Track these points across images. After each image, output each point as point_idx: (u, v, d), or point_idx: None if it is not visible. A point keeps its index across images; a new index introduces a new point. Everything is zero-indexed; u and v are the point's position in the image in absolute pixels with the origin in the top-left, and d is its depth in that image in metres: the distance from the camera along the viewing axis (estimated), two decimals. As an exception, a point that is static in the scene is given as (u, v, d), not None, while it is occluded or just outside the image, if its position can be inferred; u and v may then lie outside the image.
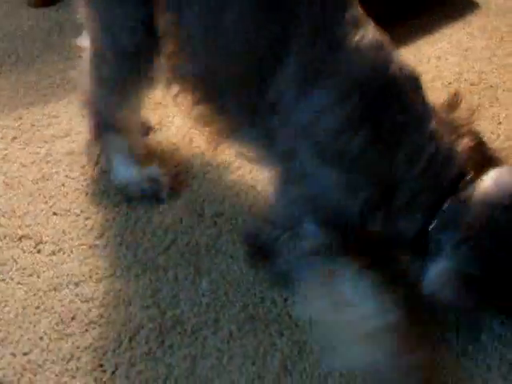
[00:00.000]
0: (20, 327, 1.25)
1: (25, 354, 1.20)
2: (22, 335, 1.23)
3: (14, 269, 1.34)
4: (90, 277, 1.33)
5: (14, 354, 1.19)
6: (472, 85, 1.86)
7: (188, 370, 1.15)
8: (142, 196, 1.54)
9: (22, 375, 1.16)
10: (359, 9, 1.30)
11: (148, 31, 1.40)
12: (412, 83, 1.26)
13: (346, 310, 1.20)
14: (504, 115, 1.75)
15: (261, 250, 1.32)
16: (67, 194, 1.54)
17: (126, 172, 1.56)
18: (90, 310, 1.25)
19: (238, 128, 1.41)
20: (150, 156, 1.61)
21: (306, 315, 1.26)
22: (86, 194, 1.53)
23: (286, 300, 1.28)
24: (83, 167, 1.62)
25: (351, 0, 1.29)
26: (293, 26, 1.26)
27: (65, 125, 1.74)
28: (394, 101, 1.24)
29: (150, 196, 1.53)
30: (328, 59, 1.24)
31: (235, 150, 1.50)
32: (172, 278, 1.33)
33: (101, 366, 1.16)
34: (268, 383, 1.15)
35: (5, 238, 1.41)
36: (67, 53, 1.86)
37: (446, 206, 1.21)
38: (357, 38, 1.24)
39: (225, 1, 1.31)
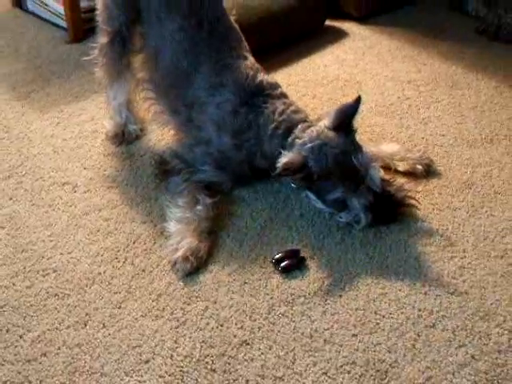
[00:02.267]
0: (64, 237, 1.65)
1: (69, 252, 1.60)
2: (66, 241, 1.63)
3: (60, 203, 1.76)
4: (108, 206, 1.75)
5: (62, 253, 1.60)
6: (346, 81, 2.36)
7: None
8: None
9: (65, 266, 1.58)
10: (243, 48, 1.89)
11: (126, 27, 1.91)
12: (271, 85, 1.82)
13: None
14: (365, 97, 2.08)
15: (165, 173, 1.80)
16: (92, 156, 1.95)
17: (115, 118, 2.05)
18: (108, 225, 1.68)
19: (172, 115, 1.91)
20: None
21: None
22: (104, 155, 1.95)
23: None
24: (102, 140, 2.03)
25: (237, 44, 1.88)
26: (201, 57, 1.82)
27: (90, 114, 2.17)
28: (259, 95, 1.79)
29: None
30: (223, 76, 1.80)
31: (171, 127, 1.95)
32: (159, 205, 1.74)
33: (116, 258, 1.59)
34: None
35: (53, 184, 1.82)
36: (90, 70, 2.17)
37: (294, 131, 1.72)
38: (238, 64, 1.82)
39: (163, 42, 1.86)
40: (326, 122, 1.73)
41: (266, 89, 1.81)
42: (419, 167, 1.86)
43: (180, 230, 1.64)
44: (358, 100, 1.72)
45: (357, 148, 1.68)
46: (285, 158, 1.64)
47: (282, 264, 1.56)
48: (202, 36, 1.83)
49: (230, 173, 1.81)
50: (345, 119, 1.71)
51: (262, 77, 1.83)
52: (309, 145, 1.66)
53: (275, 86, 1.84)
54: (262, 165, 1.81)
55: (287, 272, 1.55)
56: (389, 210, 1.68)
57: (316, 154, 1.65)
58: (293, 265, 1.56)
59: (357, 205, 1.65)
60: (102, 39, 1.95)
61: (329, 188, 1.66)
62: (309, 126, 1.73)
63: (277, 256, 1.58)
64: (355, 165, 1.63)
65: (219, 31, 1.86)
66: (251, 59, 1.88)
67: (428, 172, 1.87)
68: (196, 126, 1.84)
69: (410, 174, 1.85)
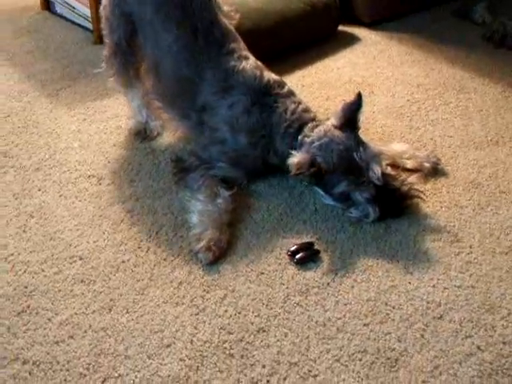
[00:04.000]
0: (90, 227, 1.65)
1: (94, 241, 1.60)
2: (92, 231, 1.63)
3: (86, 194, 1.77)
4: (131, 198, 1.75)
5: (88, 242, 1.59)
6: (358, 83, 2.34)
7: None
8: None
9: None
10: (243, 48, 1.85)
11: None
12: (279, 84, 1.81)
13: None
14: (376, 99, 2.21)
15: (183, 170, 1.78)
16: (116, 150, 1.96)
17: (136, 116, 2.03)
18: (132, 216, 1.68)
19: (182, 120, 1.89)
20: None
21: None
22: (127, 150, 1.96)
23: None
24: (126, 136, 2.03)
25: (236, 46, 1.84)
26: (203, 64, 1.79)
27: (114, 111, 2.18)
28: (269, 94, 1.78)
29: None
30: (230, 79, 1.78)
31: (182, 131, 1.94)
32: (180, 198, 1.73)
33: (139, 247, 1.59)
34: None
35: (80, 176, 1.83)
36: None
37: (304, 130, 1.73)
38: (242, 65, 1.79)
39: (162, 52, 1.84)
40: (332, 121, 1.74)
41: (274, 87, 1.80)
42: (427, 165, 1.85)
43: (202, 222, 1.63)
44: (359, 97, 1.73)
45: (360, 144, 1.68)
46: (295, 159, 1.66)
47: (297, 256, 1.55)
48: (200, 44, 1.80)
49: (245, 168, 1.80)
50: (349, 116, 1.72)
51: (269, 75, 1.82)
52: (316, 143, 1.68)
53: (282, 83, 1.83)
54: (274, 161, 1.81)
55: (302, 264, 1.54)
56: (394, 204, 1.68)
57: (323, 151, 1.67)
58: (307, 257, 1.55)
59: (360, 198, 1.66)
60: (106, 51, 1.97)
61: (334, 182, 1.67)
62: (317, 125, 1.74)
63: (292, 248, 1.57)
64: (357, 160, 1.64)
65: (215, 36, 1.82)
66: (252, 58, 1.85)
67: (435, 170, 1.86)
68: (209, 128, 1.82)
69: (418, 172, 1.82)
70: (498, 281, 1.50)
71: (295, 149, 1.71)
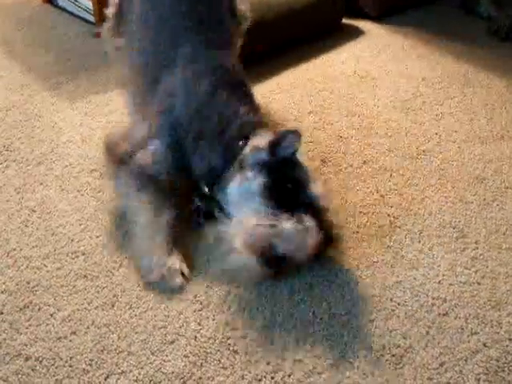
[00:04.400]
0: (93, 221, 1.63)
1: (97, 236, 1.58)
2: (95, 226, 1.62)
3: (88, 188, 1.74)
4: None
5: (90, 237, 1.58)
6: (362, 77, 2.32)
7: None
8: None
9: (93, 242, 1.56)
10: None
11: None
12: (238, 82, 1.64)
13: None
14: (380, 93, 2.20)
15: (117, 158, 1.59)
16: (119, 145, 2.01)
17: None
18: (135, 211, 1.73)
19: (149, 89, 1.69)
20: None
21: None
22: (131, 144, 2.00)
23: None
24: (129, 129, 2.08)
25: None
26: (180, 40, 1.65)
27: (116, 105, 2.13)
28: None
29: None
30: (199, 56, 1.63)
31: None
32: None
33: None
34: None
35: (82, 171, 1.81)
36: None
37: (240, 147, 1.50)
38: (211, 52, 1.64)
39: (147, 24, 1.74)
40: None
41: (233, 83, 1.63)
42: None
43: (146, 249, 1.49)
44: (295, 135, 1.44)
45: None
46: None
47: None
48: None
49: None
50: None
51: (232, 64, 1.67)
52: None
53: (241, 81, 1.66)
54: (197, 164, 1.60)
55: None
56: None
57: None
58: None
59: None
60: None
61: None
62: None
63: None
64: None
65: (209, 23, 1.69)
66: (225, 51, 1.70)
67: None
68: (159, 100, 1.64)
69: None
70: (504, 277, 1.49)
71: None
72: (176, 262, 1.47)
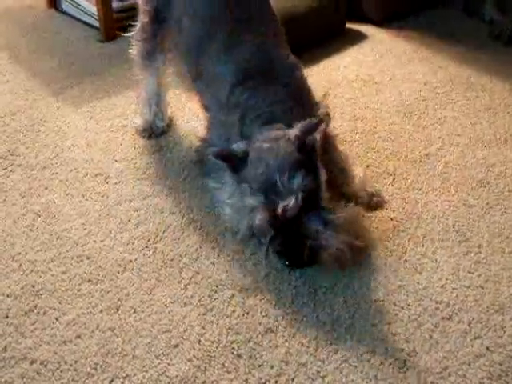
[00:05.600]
0: (97, 226, 1.65)
1: (101, 240, 1.60)
2: (99, 230, 1.63)
3: (93, 193, 1.76)
4: (138, 196, 1.74)
5: (95, 241, 1.59)
6: (365, 81, 2.32)
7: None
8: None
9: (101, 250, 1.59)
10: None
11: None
12: (290, 65, 1.68)
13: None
14: (383, 98, 2.20)
15: (202, 159, 1.67)
16: (123, 149, 1.95)
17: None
18: (139, 216, 1.67)
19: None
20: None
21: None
22: (134, 148, 1.95)
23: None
24: (132, 134, 2.02)
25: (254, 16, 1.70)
26: (213, 32, 1.66)
27: (121, 109, 2.16)
28: (266, 75, 1.60)
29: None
30: (231, 47, 1.63)
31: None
32: (187, 196, 1.73)
33: (147, 247, 1.59)
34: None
35: (87, 175, 1.82)
36: (121, 67, 2.31)
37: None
38: (250, 37, 1.63)
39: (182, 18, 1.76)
40: (292, 131, 1.49)
41: (276, 66, 1.64)
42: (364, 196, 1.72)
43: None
44: (325, 121, 1.54)
45: (297, 169, 1.43)
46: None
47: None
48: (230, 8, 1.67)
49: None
50: (305, 142, 1.46)
51: (276, 53, 1.68)
52: (257, 144, 1.48)
53: (293, 64, 1.69)
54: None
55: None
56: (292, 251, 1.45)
57: (254, 155, 1.46)
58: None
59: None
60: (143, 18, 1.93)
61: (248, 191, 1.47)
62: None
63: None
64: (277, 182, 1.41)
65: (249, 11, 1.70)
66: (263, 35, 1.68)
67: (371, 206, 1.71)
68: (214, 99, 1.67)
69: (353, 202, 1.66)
70: (507, 281, 1.49)
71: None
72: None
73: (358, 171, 1.76)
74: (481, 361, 1.31)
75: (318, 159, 1.48)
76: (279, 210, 1.39)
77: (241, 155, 1.46)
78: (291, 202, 1.38)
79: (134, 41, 1.97)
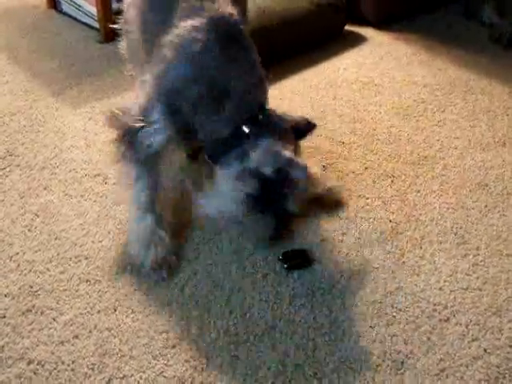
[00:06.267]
0: (96, 226, 1.64)
1: (100, 241, 1.59)
2: (97, 230, 1.62)
3: (91, 193, 1.75)
4: (137, 197, 1.79)
5: (93, 242, 1.59)
6: (364, 84, 2.33)
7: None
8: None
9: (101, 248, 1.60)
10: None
11: None
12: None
13: None
14: (383, 100, 2.21)
15: (120, 134, 1.49)
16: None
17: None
18: (138, 216, 1.73)
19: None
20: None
21: None
22: (134, 150, 2.00)
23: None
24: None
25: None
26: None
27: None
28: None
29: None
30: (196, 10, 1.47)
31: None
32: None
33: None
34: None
35: (86, 176, 1.82)
36: (120, 68, 2.20)
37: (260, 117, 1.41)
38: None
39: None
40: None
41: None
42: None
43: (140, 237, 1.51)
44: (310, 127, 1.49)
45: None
46: None
47: (289, 263, 1.53)
48: None
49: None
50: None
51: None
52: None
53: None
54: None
55: (293, 270, 1.52)
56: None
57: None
58: (299, 264, 1.53)
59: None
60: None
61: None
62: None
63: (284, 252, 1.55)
64: None
65: None
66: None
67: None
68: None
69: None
70: (505, 283, 1.49)
71: None
72: (166, 252, 1.50)
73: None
74: (478, 363, 1.31)
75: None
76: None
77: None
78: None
79: None
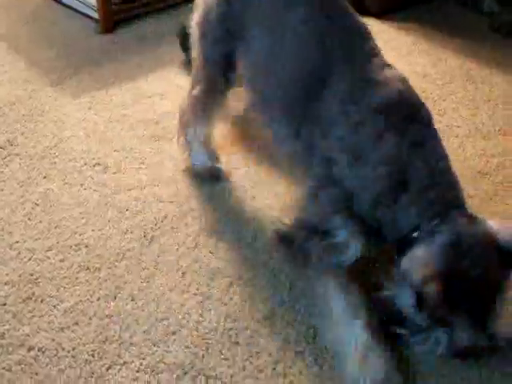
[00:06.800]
0: (95, 215, 1.65)
1: (100, 229, 1.59)
2: (97, 219, 1.63)
3: (91, 182, 1.76)
4: (137, 186, 1.74)
5: (93, 230, 1.59)
6: None
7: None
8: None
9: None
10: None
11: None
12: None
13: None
14: None
15: (296, 252, 1.35)
16: (122, 139, 1.93)
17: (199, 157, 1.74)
18: (137, 205, 1.67)
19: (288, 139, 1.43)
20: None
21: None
22: (133, 138, 1.93)
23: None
24: (131, 124, 2.00)
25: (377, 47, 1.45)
26: (334, 57, 1.36)
27: (119, 100, 2.14)
28: (413, 122, 1.29)
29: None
30: (364, 89, 1.33)
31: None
32: (186, 186, 1.73)
33: (144, 236, 1.58)
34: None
35: (85, 165, 1.82)
36: (119, 59, 2.30)
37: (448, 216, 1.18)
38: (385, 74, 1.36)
39: (280, 41, 1.43)
40: (493, 226, 1.19)
41: (422, 116, 1.32)
42: None
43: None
44: None
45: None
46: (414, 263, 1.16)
47: None
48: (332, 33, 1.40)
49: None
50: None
51: (416, 95, 1.37)
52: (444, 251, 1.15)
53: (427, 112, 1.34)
54: (386, 234, 1.28)
55: None
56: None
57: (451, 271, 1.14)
58: None
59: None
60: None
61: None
62: (465, 218, 1.21)
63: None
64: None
65: (351, 28, 1.46)
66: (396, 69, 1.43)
67: None
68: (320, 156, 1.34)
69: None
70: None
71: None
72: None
73: None
74: None
75: None
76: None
77: None
78: None
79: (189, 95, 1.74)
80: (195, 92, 1.68)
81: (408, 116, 1.29)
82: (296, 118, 1.40)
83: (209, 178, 1.76)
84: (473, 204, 1.67)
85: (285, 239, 1.38)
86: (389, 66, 1.41)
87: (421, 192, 1.22)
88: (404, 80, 1.39)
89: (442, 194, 1.23)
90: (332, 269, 1.29)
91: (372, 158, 1.26)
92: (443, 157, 1.28)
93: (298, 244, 1.33)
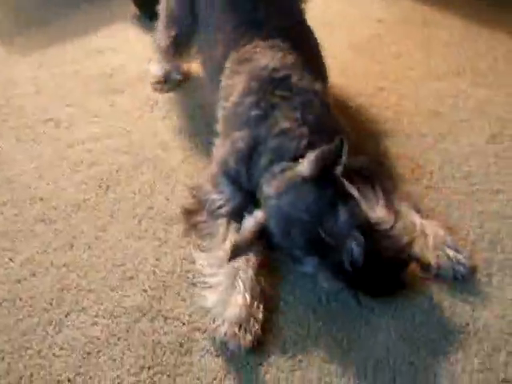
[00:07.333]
0: (49, 169, 1.63)
1: (54, 182, 1.58)
2: (51, 172, 1.62)
3: (44, 138, 1.76)
4: (90, 138, 1.73)
5: (48, 183, 1.58)
6: (316, 23, 2.25)
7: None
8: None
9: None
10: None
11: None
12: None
13: None
14: (337, 37, 2.22)
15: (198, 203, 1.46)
16: (74, 94, 1.92)
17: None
18: (92, 156, 1.67)
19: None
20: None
21: None
22: (85, 93, 1.91)
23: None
24: (83, 78, 1.99)
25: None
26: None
27: (70, 56, 2.12)
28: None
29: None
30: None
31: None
32: (140, 136, 1.72)
33: (100, 186, 1.57)
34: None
35: (37, 121, 1.81)
36: (68, 16, 2.29)
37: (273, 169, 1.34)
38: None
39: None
40: (303, 169, 1.29)
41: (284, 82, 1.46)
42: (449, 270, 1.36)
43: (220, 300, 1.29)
44: (340, 143, 1.27)
45: (336, 206, 1.24)
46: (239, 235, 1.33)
47: None
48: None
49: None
50: (324, 168, 1.27)
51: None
52: (272, 202, 1.29)
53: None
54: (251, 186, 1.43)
55: None
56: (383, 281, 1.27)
57: (278, 219, 1.27)
58: None
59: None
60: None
61: (299, 259, 1.28)
62: (283, 170, 1.33)
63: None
64: (324, 237, 1.21)
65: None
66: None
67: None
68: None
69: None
70: (457, 203, 1.52)
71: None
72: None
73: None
74: None
75: (343, 184, 1.30)
76: (348, 267, 1.21)
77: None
78: (354, 252, 1.21)
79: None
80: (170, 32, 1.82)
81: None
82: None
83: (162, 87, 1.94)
84: (427, 142, 1.72)
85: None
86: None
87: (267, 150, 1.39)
88: None
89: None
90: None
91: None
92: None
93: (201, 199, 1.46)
